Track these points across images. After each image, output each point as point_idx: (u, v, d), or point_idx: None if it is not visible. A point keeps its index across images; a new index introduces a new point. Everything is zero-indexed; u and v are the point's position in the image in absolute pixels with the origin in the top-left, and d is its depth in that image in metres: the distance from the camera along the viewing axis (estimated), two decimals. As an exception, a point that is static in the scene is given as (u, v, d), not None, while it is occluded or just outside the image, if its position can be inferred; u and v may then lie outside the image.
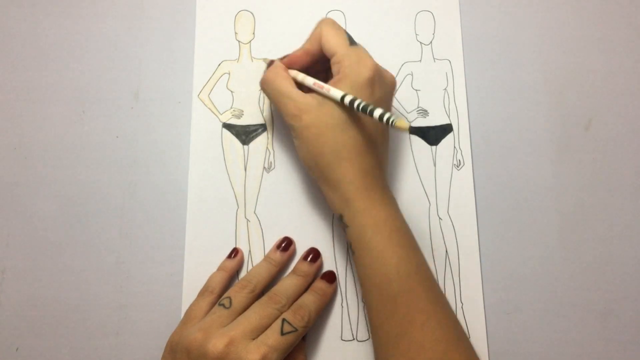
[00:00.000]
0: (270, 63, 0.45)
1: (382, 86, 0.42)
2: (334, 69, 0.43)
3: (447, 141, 0.50)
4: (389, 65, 0.51)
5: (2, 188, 0.48)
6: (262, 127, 0.50)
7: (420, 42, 0.52)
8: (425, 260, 0.43)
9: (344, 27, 0.46)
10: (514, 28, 0.53)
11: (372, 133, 0.42)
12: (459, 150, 0.50)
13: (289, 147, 0.50)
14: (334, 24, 0.44)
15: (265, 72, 0.45)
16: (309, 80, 0.43)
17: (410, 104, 0.51)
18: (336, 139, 0.41)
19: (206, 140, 0.49)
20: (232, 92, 0.51)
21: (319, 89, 0.42)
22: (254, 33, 0.52)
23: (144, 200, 0.48)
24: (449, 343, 0.39)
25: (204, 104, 0.50)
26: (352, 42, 0.43)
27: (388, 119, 0.37)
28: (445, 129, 0.50)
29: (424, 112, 0.51)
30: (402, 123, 0.36)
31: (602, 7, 0.53)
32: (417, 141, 0.50)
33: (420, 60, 0.52)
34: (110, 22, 0.52)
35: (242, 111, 0.50)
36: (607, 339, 0.46)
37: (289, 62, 0.45)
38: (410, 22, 0.53)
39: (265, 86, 0.44)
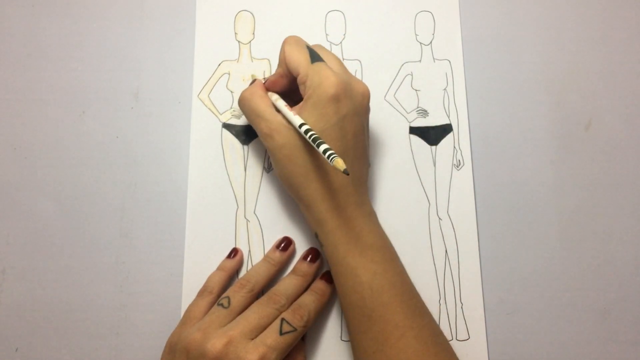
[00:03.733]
0: (254, 81, 0.46)
1: (350, 100, 0.41)
2: (300, 89, 0.43)
3: (446, 141, 0.50)
4: (389, 65, 0.52)
5: (2, 188, 0.49)
6: (262, 127, 0.50)
7: (420, 42, 0.52)
8: (404, 273, 0.43)
9: (311, 43, 0.46)
10: (514, 28, 0.53)
11: (342, 152, 0.41)
12: (459, 151, 0.50)
13: (289, 147, 0.50)
14: (296, 41, 0.44)
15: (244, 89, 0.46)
16: (280, 103, 0.43)
17: (410, 104, 0.51)
18: (305, 159, 0.41)
19: (206, 140, 0.50)
20: (232, 92, 0.51)
21: (286, 113, 0.42)
22: (253, 33, 0.52)
23: (144, 200, 0.48)
24: (427, 356, 0.39)
25: (204, 104, 0.50)
26: (315, 58, 0.42)
27: (329, 156, 0.37)
28: (445, 129, 0.50)
29: (423, 112, 0.51)
30: (339, 163, 0.36)
31: (602, 7, 0.53)
32: (417, 141, 0.50)
33: (420, 61, 0.52)
34: (110, 22, 0.52)
35: (242, 111, 0.50)
36: (607, 339, 0.46)
37: (269, 85, 0.46)
38: (410, 22, 0.53)
39: (242, 104, 0.45)
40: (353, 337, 0.41)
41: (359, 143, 0.43)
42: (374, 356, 0.40)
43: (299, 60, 0.42)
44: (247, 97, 0.45)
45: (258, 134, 0.44)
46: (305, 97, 0.42)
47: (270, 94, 0.45)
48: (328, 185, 0.41)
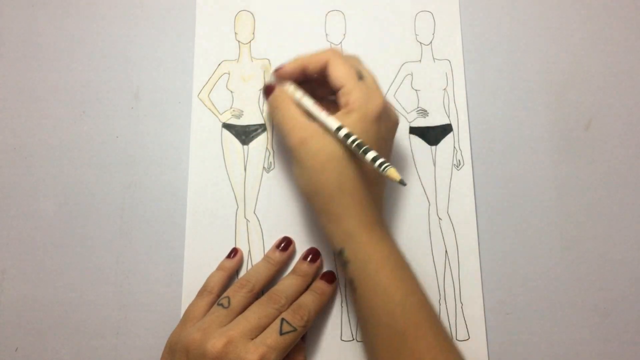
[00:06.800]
0: (275, 70, 0.45)
1: (387, 124, 0.42)
2: (342, 100, 0.42)
3: (446, 141, 0.50)
4: (389, 65, 0.52)
5: (2, 188, 0.49)
6: (262, 127, 0.50)
7: (420, 42, 0.52)
8: (428, 296, 0.42)
9: (352, 55, 0.45)
10: (514, 28, 0.53)
11: (371, 169, 0.40)
12: (459, 151, 0.50)
13: (289, 147, 0.50)
14: (343, 56, 0.43)
15: (267, 97, 0.45)
16: (308, 102, 0.42)
17: (410, 104, 0.51)
18: (341, 170, 0.40)
19: (206, 140, 0.50)
20: (232, 92, 0.51)
21: (317, 112, 0.41)
22: (253, 33, 0.52)
23: (144, 200, 0.48)
24: None
25: (204, 104, 0.50)
26: (360, 76, 0.42)
27: (381, 164, 0.37)
28: (445, 129, 0.50)
29: (423, 112, 0.51)
30: (393, 173, 0.36)
31: (602, 7, 0.53)
32: (417, 141, 0.50)
33: (420, 61, 0.52)
34: (110, 22, 0.52)
35: (242, 111, 0.50)
36: (607, 339, 0.46)
37: (282, 73, 0.44)
38: (410, 22, 0.53)
39: (273, 114, 0.44)
40: (382, 355, 0.40)
41: None
42: None
43: (348, 75, 0.42)
44: (276, 105, 0.43)
45: (288, 142, 0.42)
46: (347, 108, 0.41)
47: (291, 88, 0.44)
48: (360, 200, 0.41)
